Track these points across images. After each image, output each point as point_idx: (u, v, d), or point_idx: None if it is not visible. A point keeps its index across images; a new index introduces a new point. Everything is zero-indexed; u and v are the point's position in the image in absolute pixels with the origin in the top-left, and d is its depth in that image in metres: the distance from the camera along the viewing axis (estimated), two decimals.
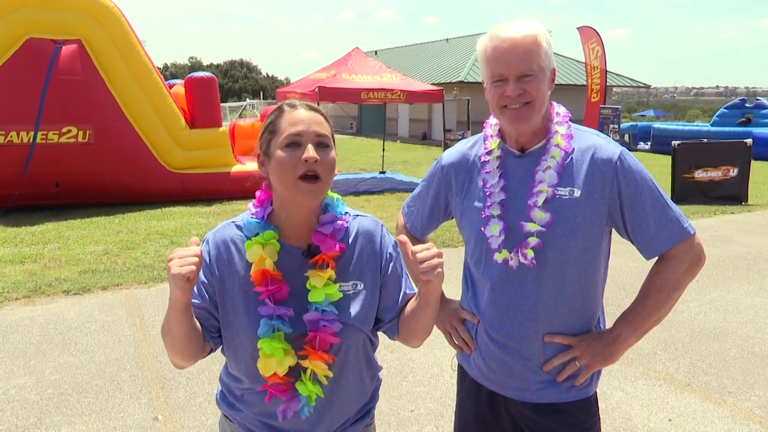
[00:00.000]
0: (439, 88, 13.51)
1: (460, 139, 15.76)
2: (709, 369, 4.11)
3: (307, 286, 1.43)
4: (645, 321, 1.68)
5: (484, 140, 1.77)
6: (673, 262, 1.65)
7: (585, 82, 20.76)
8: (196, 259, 1.30)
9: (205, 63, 73.35)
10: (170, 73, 58.61)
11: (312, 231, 1.46)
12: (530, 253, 1.61)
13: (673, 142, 11.65)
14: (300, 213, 1.45)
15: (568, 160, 1.64)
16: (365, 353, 1.55)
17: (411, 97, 12.80)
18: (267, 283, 1.40)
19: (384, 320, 1.56)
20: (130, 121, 9.84)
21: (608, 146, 1.65)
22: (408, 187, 12.73)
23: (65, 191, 9.56)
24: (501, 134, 1.74)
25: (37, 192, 9.44)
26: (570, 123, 1.71)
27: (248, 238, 1.43)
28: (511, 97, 1.58)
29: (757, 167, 13.93)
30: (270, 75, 76.14)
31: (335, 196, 1.52)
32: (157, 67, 10.52)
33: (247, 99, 42.08)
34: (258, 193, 1.50)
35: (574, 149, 1.65)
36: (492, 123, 1.77)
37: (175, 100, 10.51)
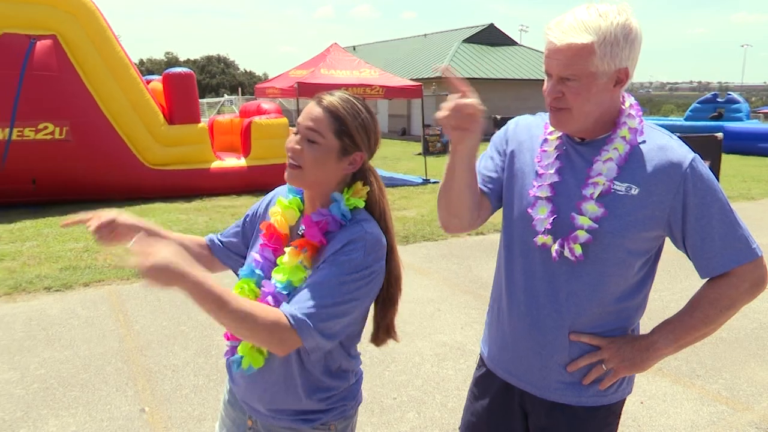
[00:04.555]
0: (418, 84, 13.59)
1: (439, 135, 15.76)
2: (680, 354, 4.27)
3: (277, 261, 1.49)
4: (688, 333, 1.55)
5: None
6: (734, 279, 1.52)
7: None
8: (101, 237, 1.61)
9: (182, 58, 72.55)
10: (146, 68, 57.84)
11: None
12: (578, 249, 1.51)
13: None
14: (306, 193, 1.57)
15: (633, 154, 1.51)
16: (298, 356, 1.50)
17: (390, 92, 12.87)
18: (267, 234, 1.55)
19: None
20: (108, 117, 9.77)
21: (681, 149, 1.51)
22: (388, 183, 12.83)
23: (42, 188, 9.48)
24: None
25: (13, 189, 9.35)
26: (643, 119, 1.57)
27: (278, 199, 1.62)
28: (550, 96, 1.50)
29: (728, 160, 14.29)
30: (248, 70, 75.52)
31: (349, 198, 1.50)
32: (134, 63, 10.45)
33: (225, 95, 41.76)
34: None
35: (641, 144, 1.52)
36: None
37: (153, 96, 10.46)
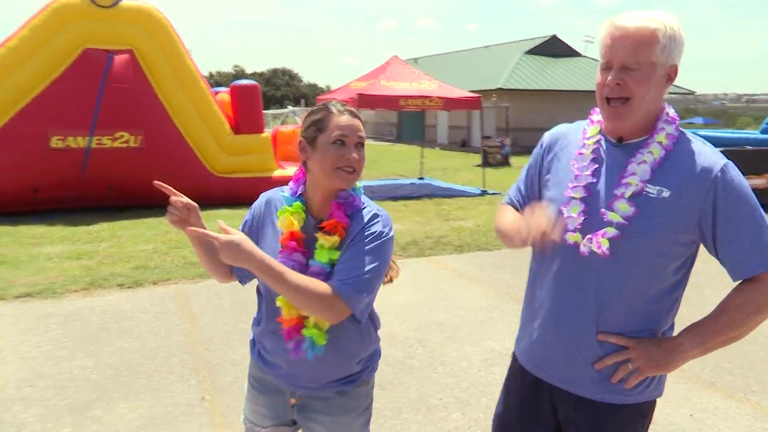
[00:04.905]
0: (477, 95, 13.64)
1: (498, 146, 15.75)
2: (735, 370, 4.18)
3: (316, 245, 1.73)
4: (713, 337, 1.58)
5: (589, 124, 1.75)
6: (762, 285, 1.54)
7: None
8: (174, 212, 1.77)
9: (249, 71, 74.86)
10: (215, 81, 60.06)
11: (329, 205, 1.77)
12: (605, 243, 1.57)
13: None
14: (325, 193, 1.77)
15: (667, 159, 1.58)
16: (353, 321, 1.75)
17: (448, 104, 12.97)
18: (289, 239, 1.75)
19: None
20: (178, 127, 10.31)
21: (713, 155, 1.57)
22: (446, 193, 12.92)
23: (117, 193, 10.08)
24: (602, 123, 1.71)
25: (91, 194, 9.98)
26: (679, 127, 1.64)
27: (281, 209, 1.78)
28: (610, 86, 1.56)
29: None
30: (311, 83, 77.28)
31: (358, 184, 1.81)
32: (203, 75, 10.98)
33: (289, 106, 42.86)
34: (295, 172, 1.84)
35: (675, 149, 1.59)
36: (598, 110, 1.71)
37: (220, 107, 10.96)
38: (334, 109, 1.73)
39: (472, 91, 17.31)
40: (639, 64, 1.52)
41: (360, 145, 1.74)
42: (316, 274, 1.68)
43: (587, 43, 38.81)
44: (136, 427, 3.32)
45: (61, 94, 9.44)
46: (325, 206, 1.77)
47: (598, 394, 1.66)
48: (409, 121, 34.53)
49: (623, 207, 1.57)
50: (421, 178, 15.29)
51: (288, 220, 1.75)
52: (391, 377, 3.94)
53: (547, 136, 1.85)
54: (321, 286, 1.63)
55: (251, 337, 1.96)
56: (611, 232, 1.57)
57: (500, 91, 26.31)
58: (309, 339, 1.71)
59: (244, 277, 1.89)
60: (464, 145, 29.42)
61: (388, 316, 5.06)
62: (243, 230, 1.87)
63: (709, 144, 1.63)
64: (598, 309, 1.62)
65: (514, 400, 1.86)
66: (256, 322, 1.90)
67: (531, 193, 1.87)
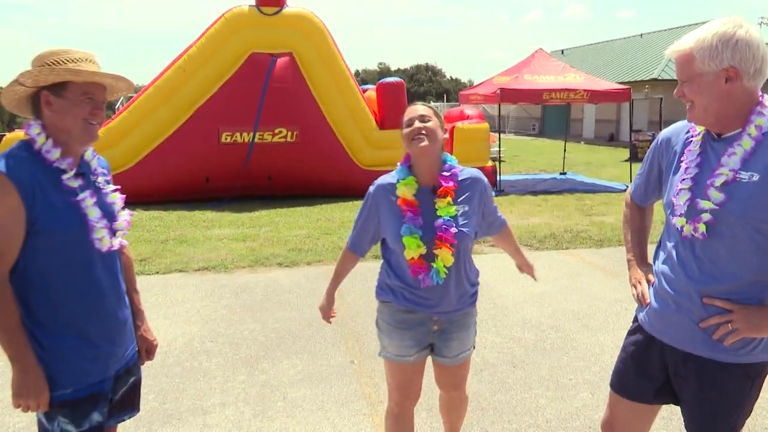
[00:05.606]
0: (626, 87, 13.13)
1: (650, 140, 15.07)
2: None
3: (436, 206, 2.30)
4: None
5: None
6: None
7: None
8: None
9: (393, 68, 76.80)
10: (361, 78, 62.30)
11: (434, 175, 2.35)
12: (702, 227, 1.81)
13: None
14: (424, 164, 2.34)
15: (760, 147, 1.77)
16: (466, 256, 2.39)
17: (595, 96, 12.65)
18: (407, 206, 2.30)
19: (480, 230, 2.49)
20: (330, 123, 11.11)
21: None
22: (589, 188, 12.60)
23: (275, 184, 11.11)
24: None
25: (253, 184, 11.09)
26: None
27: (398, 182, 2.36)
28: (676, 96, 1.91)
29: None
30: (454, 78, 77.53)
31: (450, 156, 2.42)
32: (352, 73, 11.71)
33: (431, 102, 43.51)
34: (403, 157, 2.46)
35: (766, 139, 1.78)
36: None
37: (367, 104, 11.64)
38: (409, 107, 2.43)
39: (623, 83, 16.59)
40: (687, 77, 1.84)
41: (423, 119, 2.32)
42: (444, 226, 2.27)
43: (763, 24, 34.59)
44: (296, 380, 3.86)
45: (230, 94, 10.58)
46: (429, 176, 2.35)
47: (705, 351, 1.87)
48: (553, 115, 33.64)
49: (715, 195, 1.81)
50: (563, 173, 14.98)
51: (404, 189, 2.33)
52: (523, 357, 4.16)
53: (661, 135, 2.13)
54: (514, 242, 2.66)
55: (386, 289, 2.46)
56: (705, 217, 1.82)
57: (654, 82, 24.85)
58: (435, 270, 2.27)
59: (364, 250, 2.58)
60: (612, 140, 28.15)
61: (523, 303, 5.25)
62: (362, 214, 2.46)
63: None
64: (702, 281, 1.84)
65: (630, 355, 2.13)
66: (391, 276, 2.41)
67: (649, 186, 2.19)
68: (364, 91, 12.87)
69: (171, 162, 10.37)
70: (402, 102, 11.99)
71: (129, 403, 2.11)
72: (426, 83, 72.02)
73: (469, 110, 13.63)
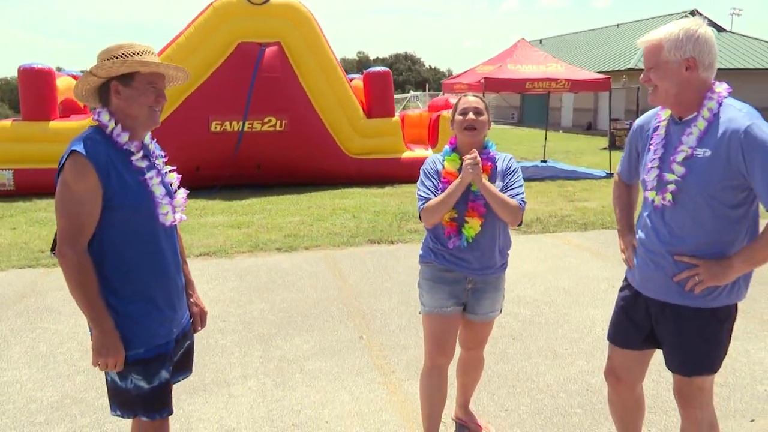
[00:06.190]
0: (606, 76, 13.49)
1: (627, 129, 15.50)
2: None
3: (471, 182, 2.65)
4: (756, 253, 2.14)
5: (661, 110, 2.38)
6: None
7: None
8: None
9: (372, 57, 76.72)
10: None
11: None
12: (669, 197, 2.20)
13: None
14: (467, 146, 2.74)
15: (711, 127, 2.13)
16: (499, 225, 2.73)
17: (576, 85, 12.98)
18: (449, 177, 2.72)
19: None
20: (318, 112, 11.27)
21: (743, 120, 2.09)
22: (569, 175, 12.96)
23: (264, 172, 11.26)
24: None
25: (243, 172, 11.22)
26: (722, 100, 2.17)
27: (444, 159, 2.80)
28: (642, 81, 2.26)
29: None
30: (432, 67, 77.75)
31: (491, 142, 2.83)
32: (339, 63, 11.86)
33: (411, 91, 43.69)
34: (450, 138, 2.88)
35: (716, 119, 2.13)
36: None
37: (354, 93, 11.81)
38: (462, 96, 2.80)
39: (601, 72, 16.98)
40: (653, 63, 2.18)
41: (478, 112, 2.70)
42: (478, 197, 2.68)
43: (734, 16, 35.41)
44: (311, 354, 4.10)
45: (219, 84, 10.68)
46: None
47: (679, 300, 2.25)
48: (532, 104, 34.09)
49: (677, 168, 2.18)
50: (544, 161, 15.34)
51: (449, 164, 2.77)
52: (521, 330, 4.44)
53: (636, 123, 2.51)
54: (513, 202, 2.64)
55: (429, 252, 2.81)
56: (671, 187, 2.19)
57: (631, 71, 25.36)
58: (464, 234, 2.68)
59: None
60: (590, 128, 28.67)
61: (516, 282, 5.54)
62: (425, 182, 2.78)
63: (747, 109, 2.15)
64: (672, 242, 2.23)
65: (621, 308, 2.52)
66: (434, 241, 2.79)
67: (631, 167, 2.56)
68: (351, 80, 13.03)
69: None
70: (388, 91, 12.19)
71: (185, 364, 2.33)
72: (405, 72, 72.10)
73: (453, 99, 13.84)
